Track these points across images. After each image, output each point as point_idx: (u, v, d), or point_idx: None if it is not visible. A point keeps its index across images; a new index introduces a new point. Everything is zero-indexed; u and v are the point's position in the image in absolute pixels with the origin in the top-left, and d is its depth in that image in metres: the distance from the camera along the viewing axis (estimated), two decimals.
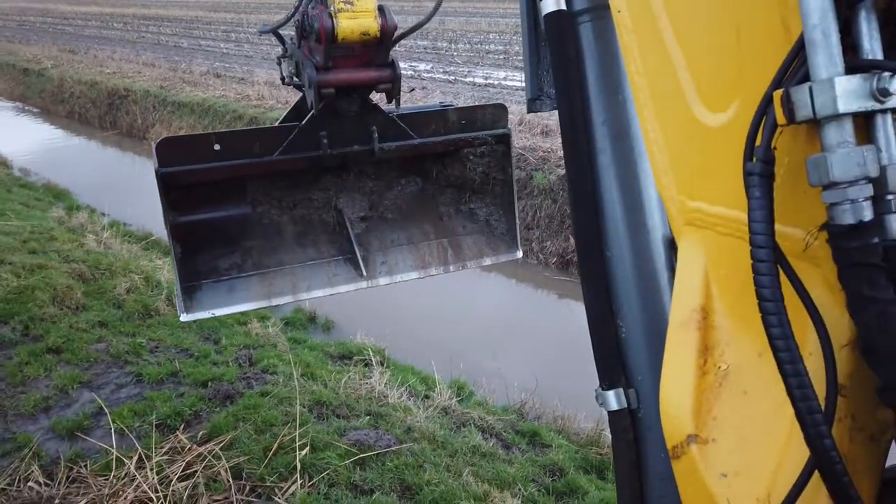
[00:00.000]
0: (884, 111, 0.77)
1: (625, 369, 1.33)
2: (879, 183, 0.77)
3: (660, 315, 1.29)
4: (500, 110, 2.85)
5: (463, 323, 7.15)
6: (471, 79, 16.50)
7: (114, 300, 5.68)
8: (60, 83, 17.32)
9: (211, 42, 24.76)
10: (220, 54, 21.14)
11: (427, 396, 4.80)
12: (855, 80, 0.75)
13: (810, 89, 0.76)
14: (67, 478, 3.37)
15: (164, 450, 3.54)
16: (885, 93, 0.74)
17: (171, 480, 3.26)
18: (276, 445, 3.55)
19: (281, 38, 2.62)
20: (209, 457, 3.45)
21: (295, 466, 3.36)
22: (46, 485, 3.32)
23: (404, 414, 4.28)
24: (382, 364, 5.27)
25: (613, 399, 1.32)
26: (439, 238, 2.95)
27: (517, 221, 2.97)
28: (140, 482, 3.22)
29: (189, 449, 3.55)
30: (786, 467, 0.87)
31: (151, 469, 3.34)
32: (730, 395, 0.98)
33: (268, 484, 3.27)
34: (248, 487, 3.25)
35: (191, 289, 2.53)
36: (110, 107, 15.53)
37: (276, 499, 3.11)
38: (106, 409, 3.91)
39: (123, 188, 11.10)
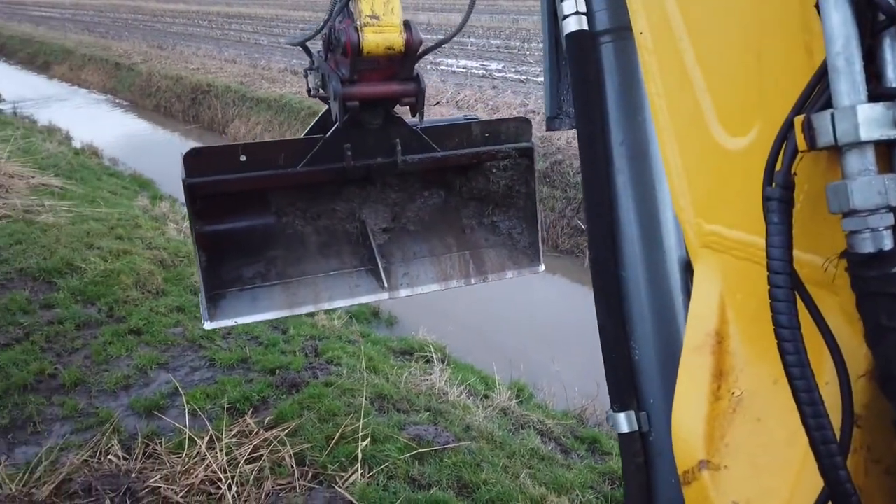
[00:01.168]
0: None
1: (637, 392, 1.32)
2: None
3: (674, 338, 1.28)
4: (525, 124, 2.85)
5: (524, 324, 7.12)
6: (542, 78, 16.36)
7: (190, 287, 5.95)
8: (149, 78, 18.21)
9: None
10: (298, 52, 21.72)
11: (486, 396, 4.82)
12: (878, 109, 0.74)
13: (832, 116, 0.75)
14: (144, 453, 3.56)
15: (232, 432, 3.69)
16: None
17: (239, 462, 3.40)
18: (338, 435, 3.64)
19: (308, 51, 2.64)
20: (275, 442, 3.58)
21: (356, 457, 3.44)
22: (124, 459, 3.52)
23: (463, 412, 4.31)
24: (443, 361, 5.32)
25: (624, 421, 1.32)
26: (461, 251, 2.95)
27: (540, 235, 2.98)
28: (210, 462, 3.37)
29: (256, 433, 3.69)
30: (799, 497, 0.85)
31: (221, 450, 3.49)
32: (743, 421, 0.97)
33: (329, 472, 3.36)
34: (310, 474, 3.35)
35: (215, 297, 2.56)
36: (193, 101, 16.22)
37: (337, 487, 3.19)
38: (181, 391, 4.11)
39: None
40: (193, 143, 14.82)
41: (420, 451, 3.62)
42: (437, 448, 3.68)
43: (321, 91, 2.62)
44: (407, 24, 2.29)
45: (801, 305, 0.82)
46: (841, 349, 0.81)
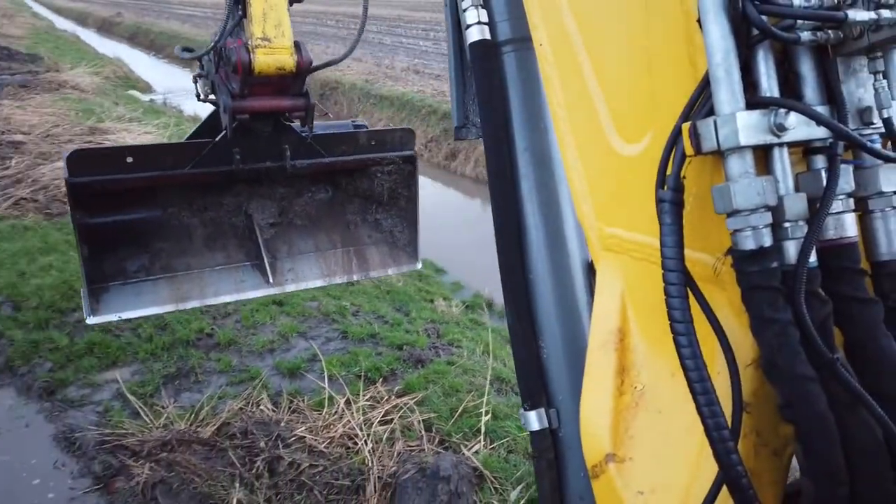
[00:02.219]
0: (780, 144, 0.81)
1: (546, 390, 1.34)
2: (778, 211, 0.81)
3: (579, 336, 1.32)
4: (409, 134, 2.98)
5: None
6: None
7: None
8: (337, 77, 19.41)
9: (412, 40, 26.28)
10: (420, 51, 22.41)
11: None
12: (755, 116, 0.79)
13: (715, 123, 0.80)
14: (289, 408, 3.98)
15: (366, 397, 4.04)
16: (782, 128, 0.79)
17: (373, 423, 3.74)
18: (461, 409, 3.90)
19: (199, 59, 2.68)
20: (404, 408, 3.90)
21: (479, 429, 3.69)
22: (273, 410, 3.95)
23: None
24: None
25: (535, 419, 1.33)
26: (346, 247, 3.07)
27: (419, 235, 3.11)
28: (348, 420, 3.73)
29: (387, 399, 4.02)
30: (698, 483, 0.88)
31: (357, 411, 3.85)
32: (646, 414, 0.99)
33: (454, 440, 3.63)
34: (437, 439, 3.63)
35: (97, 290, 2.56)
36: (321, 97, 17.15)
37: (464, 451, 3.45)
38: (321, 356, 4.52)
39: None
40: None
41: None
42: None
43: (211, 96, 2.68)
44: (298, 46, 2.37)
45: (693, 301, 0.86)
46: (730, 341, 0.85)
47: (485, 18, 1.36)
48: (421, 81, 16.06)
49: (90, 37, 33.71)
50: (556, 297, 1.33)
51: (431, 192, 11.96)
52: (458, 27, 1.57)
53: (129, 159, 2.41)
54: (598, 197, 1.13)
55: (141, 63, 24.81)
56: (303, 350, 4.76)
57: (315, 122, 2.64)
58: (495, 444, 3.62)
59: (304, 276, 2.93)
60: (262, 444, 3.54)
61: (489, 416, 3.83)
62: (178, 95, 17.99)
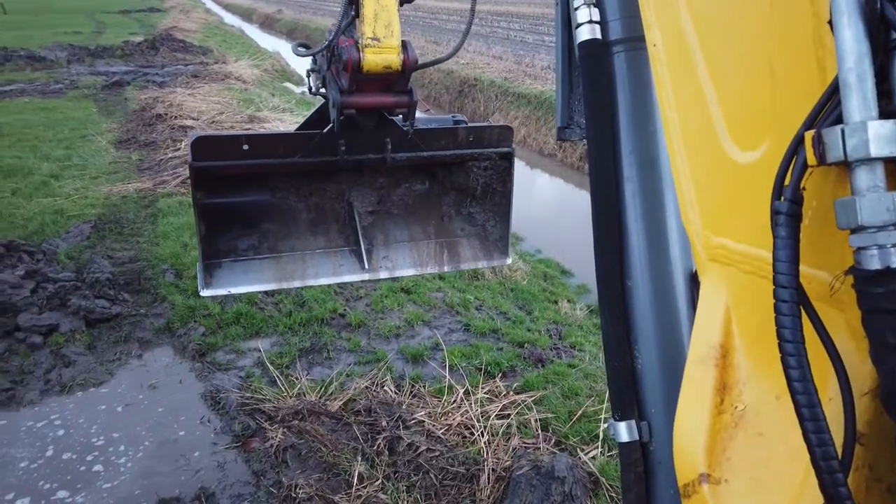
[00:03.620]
0: None
1: (638, 401, 1.29)
2: None
3: (677, 348, 1.25)
4: (507, 131, 2.97)
5: None
6: None
7: None
8: (423, 70, 19.95)
9: (554, 38, 26.03)
10: None
11: None
12: (889, 126, 0.72)
13: (842, 132, 0.74)
14: (410, 392, 4.13)
15: (484, 390, 4.10)
16: None
17: (490, 416, 3.80)
18: (580, 412, 3.86)
19: (313, 56, 2.72)
20: (521, 405, 3.92)
21: (597, 435, 3.63)
22: (395, 392, 4.11)
23: None
24: None
25: (625, 430, 1.29)
26: (439, 238, 3.09)
27: (510, 231, 3.10)
28: (467, 409, 3.81)
29: (505, 395, 4.06)
30: None
31: (475, 402, 3.92)
32: (745, 436, 0.95)
33: (571, 442, 3.60)
34: (553, 440, 3.62)
35: (211, 266, 2.70)
36: (460, 94, 17.46)
37: (581, 456, 3.42)
38: (443, 346, 4.64)
39: None
40: None
41: None
42: None
43: (321, 90, 2.75)
44: (405, 45, 2.38)
45: (806, 321, 0.81)
46: (845, 366, 0.79)
47: (597, 17, 1.35)
48: None
49: (253, 32, 36.46)
50: (654, 305, 1.29)
51: (563, 193, 11.83)
52: (567, 25, 1.55)
53: (245, 147, 2.57)
54: (706, 204, 1.09)
55: (296, 57, 26.46)
56: (426, 338, 4.91)
57: (417, 116, 2.77)
58: (614, 453, 3.54)
59: (398, 265, 3.04)
60: (383, 423, 3.70)
61: (609, 423, 3.76)
62: None
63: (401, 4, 2.48)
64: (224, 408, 3.95)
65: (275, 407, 3.90)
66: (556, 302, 6.37)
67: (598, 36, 1.33)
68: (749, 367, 0.99)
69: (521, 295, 6.28)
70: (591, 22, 1.34)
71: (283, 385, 4.15)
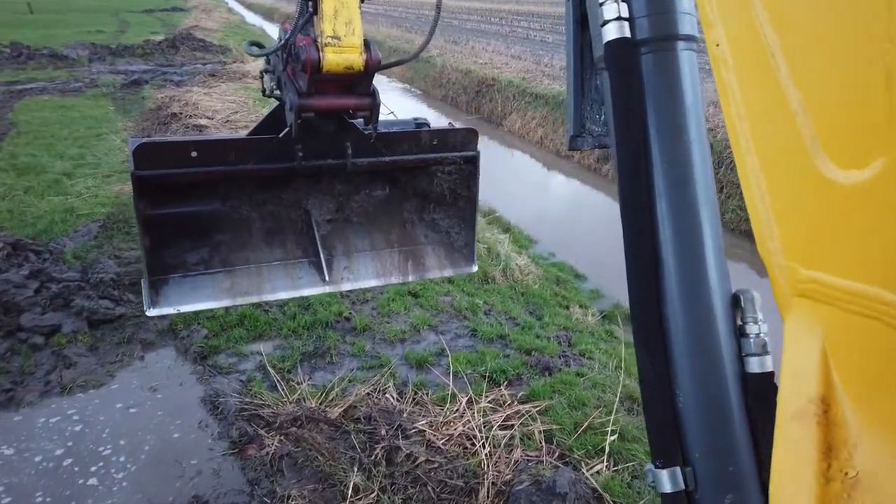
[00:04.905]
0: None
1: (682, 445, 1.15)
2: None
3: (720, 383, 1.12)
4: (472, 134, 2.86)
5: None
6: None
7: None
8: (441, 70, 19.88)
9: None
10: None
11: None
12: None
13: None
14: (413, 399, 4.03)
15: (488, 398, 3.99)
16: None
17: (493, 426, 3.69)
18: (586, 424, 3.73)
19: (266, 55, 2.61)
20: (526, 416, 3.80)
21: (602, 448, 3.51)
22: (397, 400, 4.02)
23: None
24: None
25: (667, 479, 1.14)
26: (402, 246, 2.98)
27: (475, 237, 2.99)
28: (469, 419, 3.70)
29: (510, 404, 3.94)
30: None
31: (478, 412, 3.81)
32: None
33: (575, 456, 3.47)
34: (556, 453, 3.50)
35: (157, 283, 2.53)
36: (477, 94, 17.35)
37: (584, 471, 3.29)
38: (448, 352, 4.54)
39: None
40: None
41: None
42: None
43: (276, 92, 2.63)
44: (367, 44, 2.26)
45: None
46: None
47: (626, 13, 1.22)
48: None
49: (274, 31, 36.62)
50: (694, 336, 1.16)
51: (579, 195, 11.66)
52: (579, 23, 1.44)
53: (194, 153, 2.43)
54: (791, 231, 0.95)
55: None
56: (432, 343, 4.81)
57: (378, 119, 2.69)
58: (619, 468, 3.42)
59: (360, 276, 2.91)
60: (383, 432, 3.61)
61: (616, 435, 3.63)
62: None
63: (362, 1, 2.35)
64: (223, 413, 3.88)
65: (273, 413, 3.82)
66: (567, 307, 6.24)
67: (628, 34, 1.21)
68: (861, 425, 0.85)
69: (531, 299, 6.15)
70: (619, 18, 1.21)
71: (283, 390, 4.07)
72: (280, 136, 2.49)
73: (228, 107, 11.11)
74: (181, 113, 10.61)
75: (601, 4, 1.24)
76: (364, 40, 2.28)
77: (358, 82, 2.35)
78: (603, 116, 1.44)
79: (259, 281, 2.73)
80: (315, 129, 2.49)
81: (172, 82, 14.00)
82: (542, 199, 11.04)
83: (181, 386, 4.18)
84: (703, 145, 1.20)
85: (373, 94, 2.43)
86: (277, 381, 4.17)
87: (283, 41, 2.33)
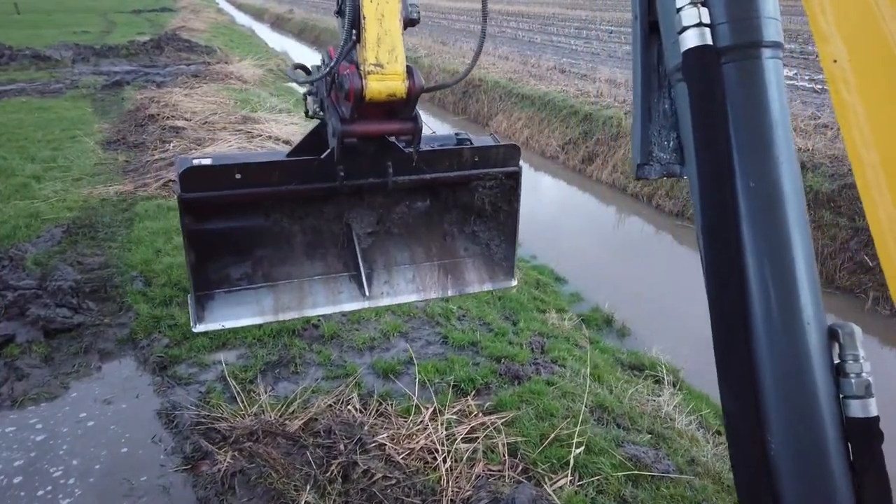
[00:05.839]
0: None
1: (774, 497, 1.04)
2: None
3: (817, 428, 1.00)
4: (514, 150, 2.86)
5: None
6: None
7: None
8: (429, 71, 19.75)
9: (563, 38, 25.73)
10: (569, 50, 21.86)
11: (720, 433, 4.41)
12: None
13: None
14: (377, 411, 3.90)
15: (454, 409, 3.87)
16: None
17: (456, 440, 3.56)
18: (552, 436, 3.61)
19: (311, 82, 2.62)
20: (491, 428, 3.68)
21: (567, 462, 3.39)
22: (360, 412, 3.88)
23: (690, 443, 4.00)
24: (675, 385, 4.99)
25: None
26: (441, 259, 2.95)
27: (516, 252, 2.97)
28: (431, 433, 3.57)
29: (475, 415, 3.82)
30: None
31: (442, 424, 3.68)
32: None
33: (539, 470, 3.35)
34: (520, 467, 3.38)
35: (203, 298, 2.54)
36: (464, 94, 17.22)
37: (546, 487, 3.17)
38: (415, 361, 4.41)
39: None
40: None
41: (636, 472, 3.44)
42: (654, 474, 3.47)
43: (319, 113, 2.64)
44: (410, 71, 2.26)
45: None
46: None
47: (707, 19, 1.11)
48: (565, 81, 15.60)
49: (263, 31, 36.45)
50: (788, 377, 1.04)
51: (563, 197, 11.55)
52: (646, 41, 1.32)
53: (238, 175, 2.45)
54: None
55: (304, 57, 26.36)
56: (402, 351, 4.68)
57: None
58: (584, 482, 3.30)
59: (400, 291, 2.88)
60: (342, 447, 3.47)
61: (582, 448, 3.51)
62: None
63: (405, 28, 2.32)
64: (178, 427, 3.74)
65: (230, 426, 3.68)
66: (544, 311, 6.12)
67: (709, 41, 1.11)
68: None
69: (508, 304, 6.03)
70: (700, 25, 1.11)
71: (242, 402, 3.93)
72: (322, 157, 2.50)
73: (208, 108, 10.95)
74: (159, 114, 10.44)
75: (679, 10, 1.13)
76: (407, 66, 2.28)
77: (401, 108, 2.35)
78: (672, 143, 1.32)
79: (300, 296, 2.71)
80: (356, 149, 2.50)
81: (154, 83, 13.82)
82: (526, 201, 10.92)
83: (137, 398, 4.04)
84: (792, 163, 1.09)
85: (415, 119, 2.44)
86: (237, 392, 4.03)
87: (327, 68, 2.33)
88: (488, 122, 15.61)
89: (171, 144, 8.71)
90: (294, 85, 17.79)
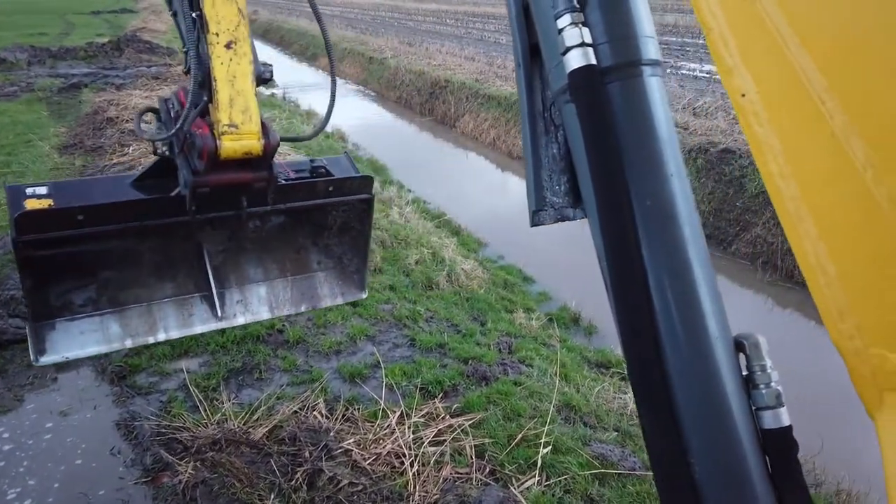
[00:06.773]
0: None
1: None
2: None
3: (736, 449, 0.98)
4: (367, 181, 2.97)
5: None
6: None
7: (404, 268, 6.32)
8: (395, 72, 19.69)
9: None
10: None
11: None
12: None
13: None
14: (343, 416, 3.85)
15: (422, 412, 3.84)
16: None
17: (423, 443, 3.53)
18: (520, 436, 3.61)
19: (159, 117, 2.59)
20: (458, 430, 3.66)
21: (535, 462, 3.38)
22: (326, 417, 3.83)
23: None
24: None
25: None
26: (294, 274, 2.99)
27: (367, 266, 3.07)
28: (398, 437, 3.54)
29: (443, 418, 3.79)
30: None
31: (409, 427, 3.65)
32: None
33: (506, 471, 3.34)
34: (487, 469, 3.36)
35: (43, 328, 2.43)
36: (431, 95, 17.20)
37: (512, 489, 3.16)
38: (382, 365, 4.37)
39: (428, 169, 12.28)
40: (426, 135, 15.73)
41: (603, 471, 3.46)
42: (621, 472, 3.49)
43: (167, 154, 2.57)
44: (265, 128, 2.27)
45: None
46: None
47: (589, 39, 1.09)
48: None
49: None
50: (701, 398, 1.01)
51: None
52: (529, 83, 1.28)
53: (80, 217, 2.37)
54: (871, 312, 0.80)
55: (269, 58, 26.01)
56: (368, 355, 4.63)
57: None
58: (551, 482, 3.30)
59: (253, 309, 2.89)
60: (307, 454, 3.42)
61: (549, 448, 3.52)
62: (296, 90, 18.72)
63: (257, 86, 2.30)
64: (137, 438, 3.65)
65: (192, 436, 3.60)
66: (512, 312, 6.12)
67: (594, 61, 1.08)
68: None
69: (476, 305, 6.02)
70: (583, 45, 1.09)
71: (205, 411, 3.85)
72: (172, 195, 2.45)
73: None
74: (118, 117, 10.20)
75: (561, 31, 1.11)
76: (262, 124, 2.26)
77: (257, 162, 2.32)
78: (563, 186, 1.29)
79: (150, 320, 2.62)
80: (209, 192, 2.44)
81: (113, 85, 13.51)
82: (494, 201, 10.93)
83: (95, 409, 3.93)
84: (682, 178, 1.08)
85: (269, 169, 2.41)
86: (199, 400, 3.94)
87: (174, 129, 2.27)
88: (455, 123, 15.62)
89: (131, 148, 8.51)
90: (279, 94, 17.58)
